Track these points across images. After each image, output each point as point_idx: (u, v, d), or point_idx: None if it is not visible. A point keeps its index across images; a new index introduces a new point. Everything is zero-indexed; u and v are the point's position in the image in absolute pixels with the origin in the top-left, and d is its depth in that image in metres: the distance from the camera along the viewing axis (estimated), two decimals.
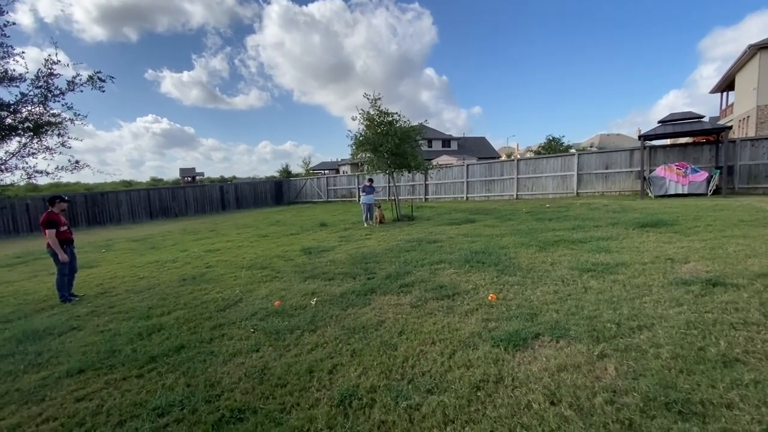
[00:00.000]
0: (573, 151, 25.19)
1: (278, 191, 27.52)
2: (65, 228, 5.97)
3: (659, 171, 13.53)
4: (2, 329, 4.87)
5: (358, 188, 23.79)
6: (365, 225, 12.28)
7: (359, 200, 12.51)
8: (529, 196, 17.21)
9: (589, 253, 5.74)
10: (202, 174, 33.44)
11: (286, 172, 46.73)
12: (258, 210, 24.10)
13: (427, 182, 20.56)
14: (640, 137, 13.94)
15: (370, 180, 13.62)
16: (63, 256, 5.80)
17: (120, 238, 14.31)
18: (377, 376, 2.83)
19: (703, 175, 12.77)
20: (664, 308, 3.51)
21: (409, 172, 13.06)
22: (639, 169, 14.24)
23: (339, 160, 62.73)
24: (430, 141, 43.43)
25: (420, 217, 13.29)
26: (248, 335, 3.94)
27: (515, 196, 17.53)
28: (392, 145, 11.41)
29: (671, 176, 13.19)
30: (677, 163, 13.37)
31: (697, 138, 15.60)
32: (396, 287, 5.05)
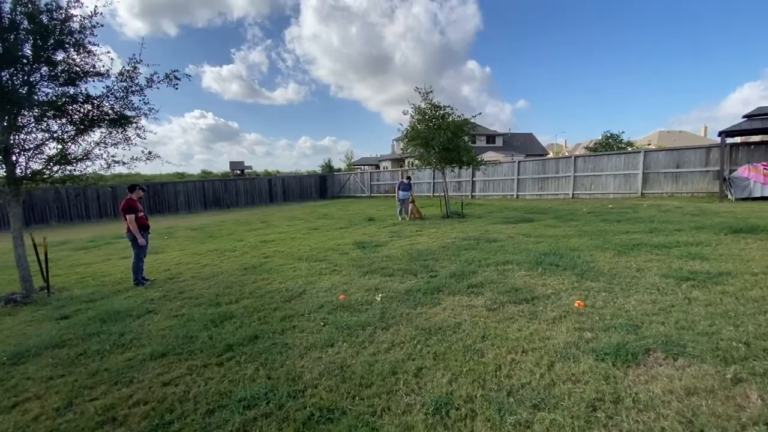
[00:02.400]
0: (637, 148, 23.43)
1: (322, 185, 27.95)
2: (142, 214, 6.25)
3: (742, 171, 12.18)
4: (86, 309, 5.16)
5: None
6: (399, 219, 12.70)
7: (397, 196, 13.09)
8: (587, 196, 16.19)
9: (681, 260, 5.16)
10: (250, 167, 34.71)
11: (328, 167, 47.50)
12: (304, 203, 24.61)
13: (474, 179, 19.97)
14: (720, 133, 12.61)
15: (408, 177, 13.86)
16: (141, 240, 6.08)
17: (179, 227, 15.08)
18: (470, 384, 2.61)
19: None
20: None
21: (460, 168, 12.66)
22: (717, 168, 12.91)
23: (378, 155, 62.89)
24: (474, 137, 42.29)
25: (470, 214, 12.87)
26: (319, 329, 3.86)
27: (571, 195, 16.57)
28: (445, 139, 11.09)
29: (757, 177, 11.83)
30: (764, 163, 11.96)
31: None
32: (464, 287, 4.80)
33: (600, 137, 28.59)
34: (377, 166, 52.04)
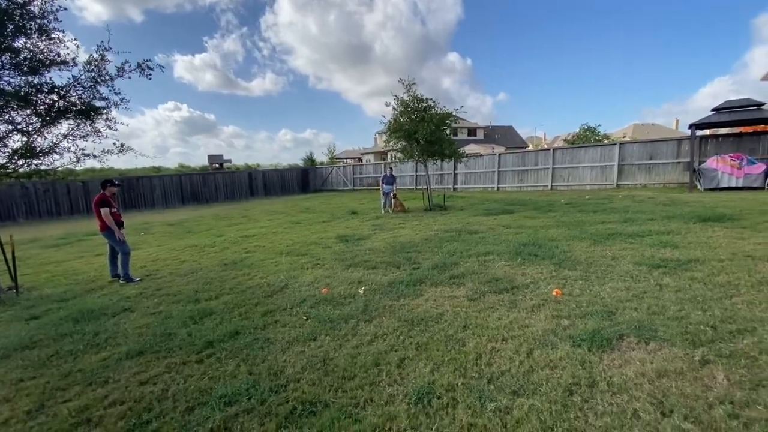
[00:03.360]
0: (612, 140, 24.07)
1: (304, 179, 27.64)
2: (115, 210, 6.03)
3: (711, 162, 12.68)
4: (58, 308, 4.97)
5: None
6: (382, 212, 12.81)
7: (381, 189, 13.25)
8: (565, 188, 16.56)
9: (653, 248, 5.35)
10: (229, 161, 33.92)
11: (310, 161, 46.97)
12: (285, 197, 24.29)
13: (456, 171, 20.12)
14: (690, 126, 13.06)
15: (391, 169, 14.09)
16: (119, 233, 5.89)
17: (156, 222, 14.66)
18: (451, 373, 2.64)
19: (760, 168, 11.88)
20: (761, 310, 3.17)
21: (442, 161, 12.73)
22: (688, 160, 13.40)
23: (361, 148, 62.56)
24: (455, 130, 42.56)
25: (452, 206, 12.98)
26: (302, 323, 3.84)
27: (549, 187, 16.91)
28: (428, 132, 11.10)
29: (724, 168, 12.34)
30: (731, 155, 12.48)
31: (755, 127, 14.50)
32: (446, 278, 4.85)
33: (578, 130, 29.24)
34: (360, 159, 51.78)
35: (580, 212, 9.50)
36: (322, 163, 47.12)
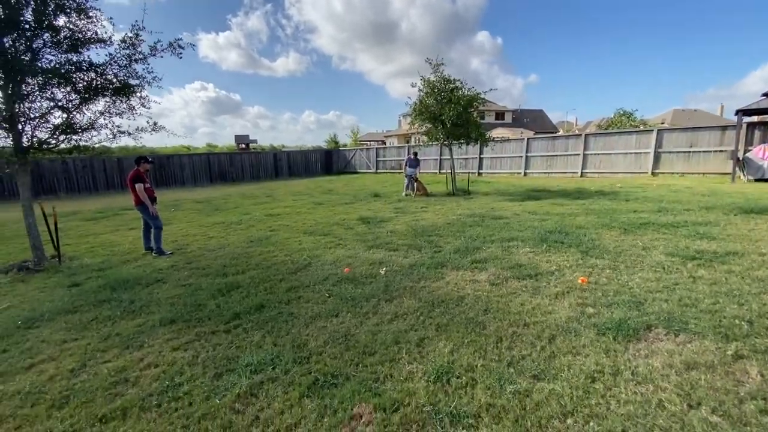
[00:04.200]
0: (650, 126, 22.87)
1: (328, 160, 27.80)
2: (148, 185, 6.27)
3: (757, 151, 11.89)
4: (96, 277, 5.27)
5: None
6: (404, 195, 12.82)
7: (405, 172, 13.30)
8: (596, 175, 15.95)
9: (688, 239, 5.12)
10: (255, 141, 34.51)
11: (334, 142, 47.11)
12: (309, 178, 24.56)
13: (482, 156, 19.71)
14: (737, 112, 12.23)
15: (415, 153, 13.87)
16: (153, 209, 6.14)
17: (185, 199, 15.18)
18: (471, 354, 2.66)
19: None
20: None
21: (467, 144, 12.48)
22: (732, 148, 12.60)
23: (384, 131, 62.08)
24: (483, 113, 41.49)
25: (476, 191, 12.78)
26: (324, 299, 3.92)
27: (580, 174, 16.34)
28: (454, 114, 10.86)
29: None
30: None
31: None
32: (467, 263, 4.82)
33: (612, 115, 27.87)
34: (383, 142, 51.47)
35: (611, 200, 9.16)
36: (345, 145, 47.14)
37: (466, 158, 20.41)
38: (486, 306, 3.45)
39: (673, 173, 14.23)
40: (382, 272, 4.70)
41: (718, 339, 2.62)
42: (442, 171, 21.47)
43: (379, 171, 25.56)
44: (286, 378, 2.56)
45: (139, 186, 6.11)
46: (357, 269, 4.89)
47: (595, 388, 2.20)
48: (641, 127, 23.36)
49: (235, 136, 33.48)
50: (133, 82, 5.89)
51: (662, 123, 50.91)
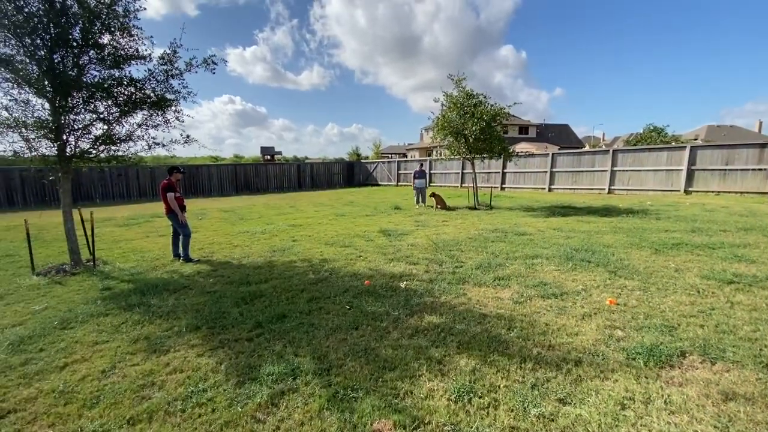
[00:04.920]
0: (682, 142, 22.11)
1: (349, 172, 28.14)
2: (179, 195, 6.52)
3: None
4: (127, 281, 5.48)
5: (430, 173, 23.36)
6: (416, 207, 13.00)
7: (413, 185, 13.73)
8: (624, 192, 15.48)
9: (725, 262, 4.88)
10: (280, 153, 35.38)
11: (356, 155, 47.73)
12: (331, 190, 24.90)
13: (505, 170, 19.49)
14: None
15: (421, 164, 14.96)
16: (182, 216, 6.37)
17: (212, 208, 15.64)
18: (494, 374, 2.60)
19: None
20: None
21: (490, 158, 12.40)
22: None
23: (405, 144, 62.47)
24: (506, 127, 41.18)
25: (499, 206, 12.62)
26: (344, 311, 3.94)
27: (607, 191, 15.89)
28: (477, 128, 10.84)
29: None
30: None
31: None
32: (490, 279, 4.75)
33: (642, 130, 27.11)
34: (404, 155, 51.75)
35: (641, 218, 8.86)
36: (366, 158, 47.63)
37: (489, 172, 20.24)
38: (509, 324, 3.38)
39: (707, 192, 13.65)
40: (403, 286, 4.68)
41: (759, 369, 2.47)
42: (464, 185, 21.35)
43: (400, 183, 25.66)
44: (306, 389, 2.58)
45: (170, 195, 6.36)
46: (377, 282, 4.89)
47: (625, 415, 2.11)
48: (672, 144, 22.60)
49: (261, 147, 34.47)
50: (169, 96, 6.18)
51: (695, 139, 49.16)
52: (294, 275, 5.39)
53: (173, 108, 6.46)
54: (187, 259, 6.47)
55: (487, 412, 2.21)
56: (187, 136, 6.85)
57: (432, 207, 12.74)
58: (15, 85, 5.52)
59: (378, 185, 26.80)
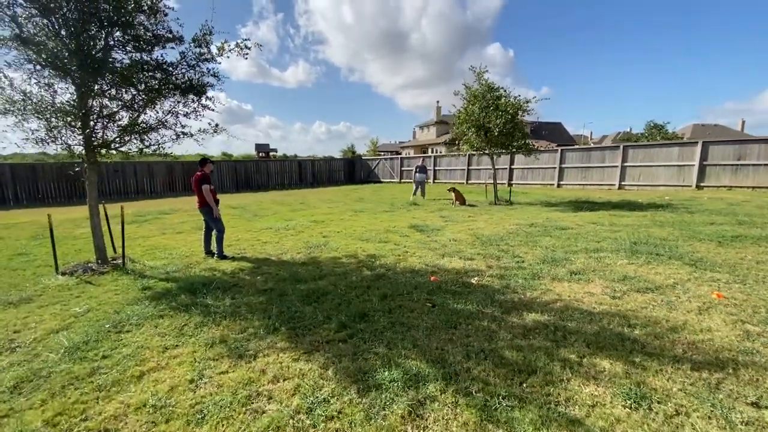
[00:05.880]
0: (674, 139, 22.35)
1: (350, 169, 27.72)
2: (213, 188, 6.10)
3: None
4: (166, 280, 5.06)
5: (434, 170, 23.15)
6: (411, 199, 14.06)
7: (414, 179, 14.77)
8: (635, 187, 15.51)
9: None
10: (275, 150, 34.69)
11: (351, 152, 47.30)
12: (333, 186, 24.42)
13: (513, 167, 19.39)
14: None
15: (422, 160, 16.83)
16: (217, 211, 5.97)
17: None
18: (653, 377, 2.34)
19: None
20: None
21: (509, 153, 12.22)
22: None
23: (397, 142, 62.16)
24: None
25: (517, 201, 12.46)
26: (429, 309, 3.64)
27: (617, 186, 15.90)
28: (501, 121, 10.62)
29: None
30: None
31: None
32: (564, 274, 4.51)
33: (643, 129, 27.43)
34: (398, 153, 51.48)
35: (672, 212, 8.77)
36: (362, 155, 47.32)
37: (497, 168, 20.09)
38: (626, 321, 3.13)
39: (719, 187, 13.74)
40: (474, 282, 4.40)
41: None
42: (470, 181, 21.20)
43: (403, 180, 25.37)
44: (444, 398, 2.27)
45: (205, 187, 5.94)
46: (442, 278, 4.60)
47: None
48: (678, 139, 22.87)
49: (256, 144, 33.75)
50: (206, 80, 5.76)
51: (682, 137, 50.21)
52: (347, 272, 5.06)
53: (205, 95, 6.03)
54: (222, 256, 6.07)
55: (681, 422, 1.94)
56: (216, 125, 6.43)
57: (450, 202, 12.50)
58: (39, 67, 5.03)
59: (380, 182, 26.45)
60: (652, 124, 26.48)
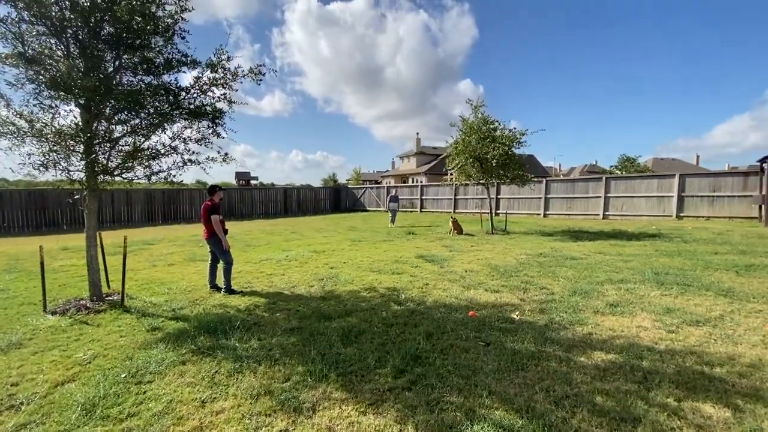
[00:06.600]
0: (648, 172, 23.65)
1: (336, 198, 27.49)
2: (222, 218, 5.75)
3: None
4: (173, 318, 4.59)
5: (421, 199, 23.30)
6: (389, 226, 14.97)
7: (389, 207, 15.99)
8: (618, 218, 16.07)
9: None
10: (256, 178, 34.10)
11: (332, 181, 47.23)
12: (319, 215, 24.00)
13: (499, 196, 19.77)
14: (761, 160, 12.71)
15: (396, 190, 19.45)
16: (226, 243, 5.58)
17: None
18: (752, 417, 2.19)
19: None
20: None
21: (505, 183, 12.44)
22: (756, 193, 12.98)
23: (375, 171, 62.87)
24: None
25: (512, 231, 12.56)
26: (485, 349, 3.41)
27: (602, 216, 16.44)
28: (498, 153, 10.85)
29: None
30: None
31: None
32: (604, 306, 4.41)
33: (616, 162, 28.94)
34: (377, 182, 51.91)
35: (669, 242, 9.03)
36: (344, 184, 47.38)
37: (483, 198, 20.43)
38: (699, 358, 3.01)
39: (697, 217, 14.43)
40: (515, 316, 4.22)
41: None
42: (457, 210, 21.40)
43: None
44: None
45: (215, 218, 5.58)
46: (477, 312, 4.40)
47: None
48: (646, 173, 24.14)
49: (236, 172, 33.14)
50: (220, 105, 5.53)
51: (644, 170, 53.42)
52: (374, 307, 4.77)
53: (217, 122, 5.79)
54: (230, 291, 5.63)
55: None
56: (225, 154, 6.14)
57: (448, 231, 12.45)
58: (44, 87, 4.68)
59: (366, 210, 26.29)
60: (624, 157, 28.08)
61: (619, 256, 7.48)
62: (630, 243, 9.13)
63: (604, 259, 7.25)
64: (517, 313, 4.32)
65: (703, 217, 14.33)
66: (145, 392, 2.89)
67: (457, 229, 12.41)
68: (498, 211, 19.92)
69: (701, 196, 14.43)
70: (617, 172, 26.52)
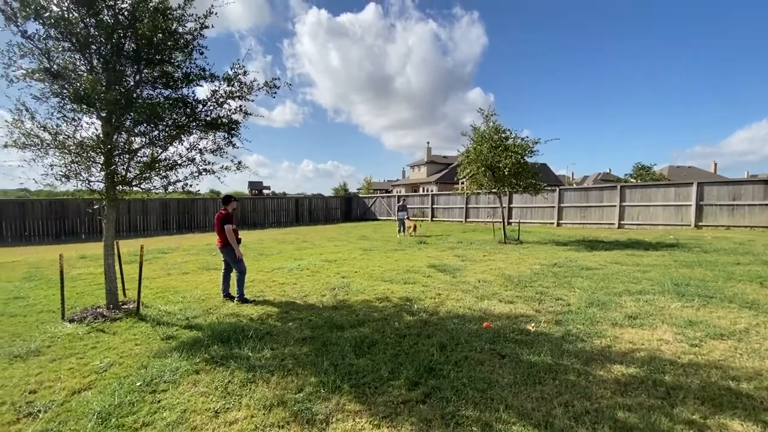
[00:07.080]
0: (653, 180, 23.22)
1: (347, 207, 27.61)
2: (235, 227, 5.81)
3: None
4: (188, 327, 4.63)
5: (432, 208, 23.24)
6: (398, 236, 14.92)
7: (397, 216, 16.16)
8: (635, 227, 15.74)
9: None
10: (269, 188, 34.54)
11: (343, 190, 47.58)
12: (330, 224, 24.11)
13: (511, 205, 19.60)
14: None
15: (404, 200, 18.63)
16: (239, 252, 5.63)
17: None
18: None
19: None
20: None
21: (517, 192, 12.33)
22: None
23: (386, 180, 63.07)
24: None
25: (526, 240, 12.40)
26: (499, 361, 3.34)
27: (617, 225, 16.13)
28: (511, 162, 10.78)
29: None
30: None
31: None
32: (622, 318, 4.29)
33: (631, 170, 28.50)
34: (387, 191, 52.03)
35: (688, 252, 8.79)
36: (355, 193, 47.63)
37: (495, 207, 20.28)
38: (724, 373, 2.90)
39: (717, 226, 14.05)
40: (530, 328, 4.14)
41: None
42: (468, 219, 21.27)
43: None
44: None
45: (228, 227, 5.64)
46: (492, 323, 4.33)
47: None
48: (661, 181, 23.70)
49: (249, 182, 33.67)
50: (235, 117, 5.64)
51: (660, 177, 52.46)
52: (386, 317, 4.73)
53: (232, 133, 5.89)
54: (243, 299, 5.66)
55: None
56: (239, 163, 6.24)
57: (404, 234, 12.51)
58: (68, 101, 4.84)
59: (377, 219, 26.32)
60: (639, 166, 27.62)
61: (637, 266, 7.31)
62: (647, 253, 8.92)
63: (621, 269, 7.09)
64: (532, 324, 4.23)
65: (722, 226, 13.94)
66: (159, 401, 2.91)
67: (414, 230, 13.47)
68: (510, 221, 19.74)
69: (720, 205, 14.05)
70: (632, 180, 26.04)
